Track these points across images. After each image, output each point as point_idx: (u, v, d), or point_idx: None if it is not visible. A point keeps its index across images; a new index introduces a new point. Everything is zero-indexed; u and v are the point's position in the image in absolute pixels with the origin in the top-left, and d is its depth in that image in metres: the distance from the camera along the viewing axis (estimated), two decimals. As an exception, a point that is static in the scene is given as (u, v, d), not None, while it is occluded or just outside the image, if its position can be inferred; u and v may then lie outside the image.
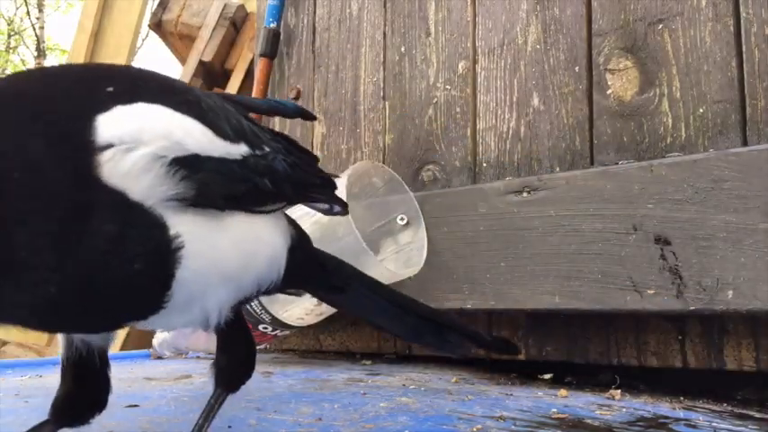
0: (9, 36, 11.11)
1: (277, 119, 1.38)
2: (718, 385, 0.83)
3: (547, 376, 0.87)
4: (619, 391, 0.82)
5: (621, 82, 0.89)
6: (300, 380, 0.91)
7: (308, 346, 1.29)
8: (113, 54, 3.10)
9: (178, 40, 2.49)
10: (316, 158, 0.64)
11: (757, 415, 0.71)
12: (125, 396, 0.76)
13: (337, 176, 0.86)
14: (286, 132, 1.36)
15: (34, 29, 9.98)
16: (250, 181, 0.47)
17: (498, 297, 0.89)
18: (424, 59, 1.13)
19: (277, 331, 1.04)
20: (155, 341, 1.19)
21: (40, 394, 0.78)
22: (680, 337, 0.84)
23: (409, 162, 1.11)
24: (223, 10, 2.31)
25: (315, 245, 0.63)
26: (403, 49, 1.16)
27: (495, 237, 0.89)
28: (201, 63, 2.30)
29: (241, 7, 2.37)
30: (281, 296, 0.97)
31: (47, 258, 0.38)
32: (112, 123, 0.40)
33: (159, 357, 1.20)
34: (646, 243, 0.77)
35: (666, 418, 0.67)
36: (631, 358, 0.87)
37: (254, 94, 1.37)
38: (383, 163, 1.13)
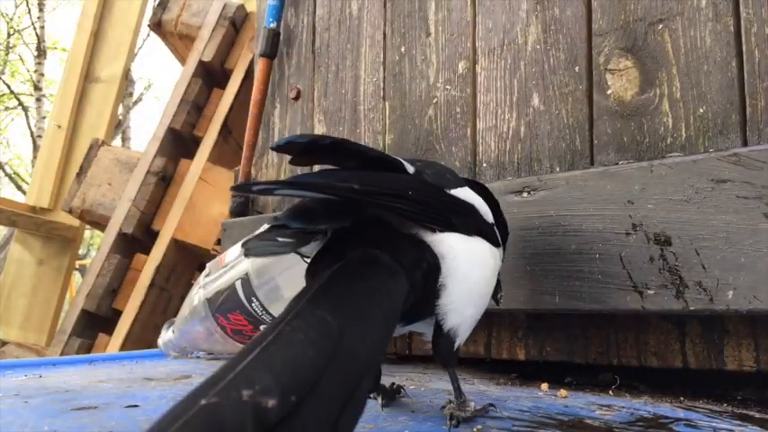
0: (9, 35, 11.10)
1: (277, 117, 1.39)
2: (718, 385, 0.83)
3: (544, 386, 0.87)
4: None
5: (621, 82, 0.89)
6: (300, 380, 0.91)
7: (307, 346, 1.29)
8: (113, 54, 3.10)
9: (178, 40, 2.49)
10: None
11: (757, 415, 0.71)
12: (125, 396, 0.76)
13: None
14: (286, 133, 1.36)
15: (34, 28, 9.98)
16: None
17: (498, 297, 0.88)
18: (424, 59, 1.13)
19: (277, 331, 1.04)
20: (160, 341, 1.18)
21: (40, 394, 0.78)
22: (680, 338, 0.84)
23: (409, 162, 1.11)
24: (223, 10, 2.31)
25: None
26: (403, 49, 1.16)
27: (496, 237, 0.89)
28: (201, 63, 2.31)
29: (241, 7, 2.37)
30: (282, 297, 0.97)
31: None
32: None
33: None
34: (646, 243, 0.77)
35: (666, 418, 0.67)
36: (631, 358, 0.87)
37: (253, 95, 1.37)
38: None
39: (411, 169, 0.62)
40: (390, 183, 0.55)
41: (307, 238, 0.54)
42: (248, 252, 0.52)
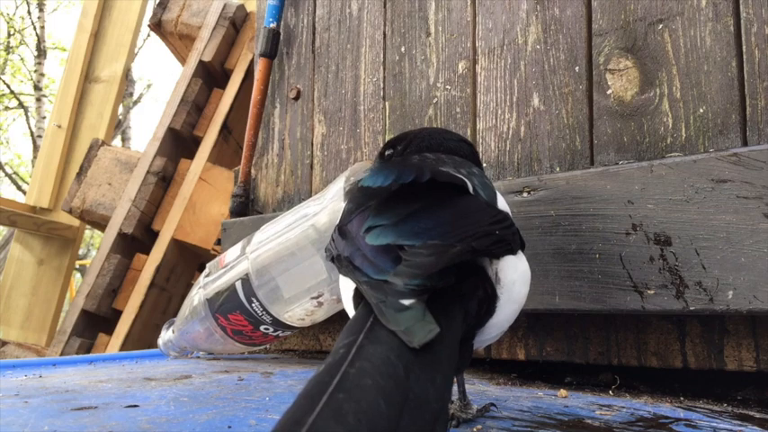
0: (9, 35, 11.11)
1: (277, 117, 1.39)
2: (718, 385, 0.83)
3: (543, 389, 0.87)
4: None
5: (622, 82, 0.89)
6: (300, 380, 0.91)
7: (307, 347, 1.29)
8: (113, 54, 3.11)
9: (178, 39, 2.49)
10: None
11: (757, 415, 0.71)
12: (125, 396, 0.76)
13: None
14: (286, 133, 1.36)
15: (35, 28, 9.98)
16: None
17: (498, 297, 0.88)
18: (424, 59, 1.13)
19: (278, 332, 1.04)
20: (159, 341, 1.18)
21: (40, 394, 0.78)
22: (680, 338, 0.84)
23: (409, 162, 1.11)
24: (223, 10, 2.31)
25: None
26: (403, 49, 1.16)
27: (496, 237, 0.89)
28: (201, 63, 2.31)
29: (241, 7, 2.37)
30: (282, 297, 0.97)
31: None
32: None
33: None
34: (646, 243, 0.77)
35: (666, 418, 0.67)
36: (631, 358, 0.87)
37: (253, 95, 1.37)
38: (383, 163, 1.13)
39: (470, 186, 0.60)
40: (483, 225, 0.54)
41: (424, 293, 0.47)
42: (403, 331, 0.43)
